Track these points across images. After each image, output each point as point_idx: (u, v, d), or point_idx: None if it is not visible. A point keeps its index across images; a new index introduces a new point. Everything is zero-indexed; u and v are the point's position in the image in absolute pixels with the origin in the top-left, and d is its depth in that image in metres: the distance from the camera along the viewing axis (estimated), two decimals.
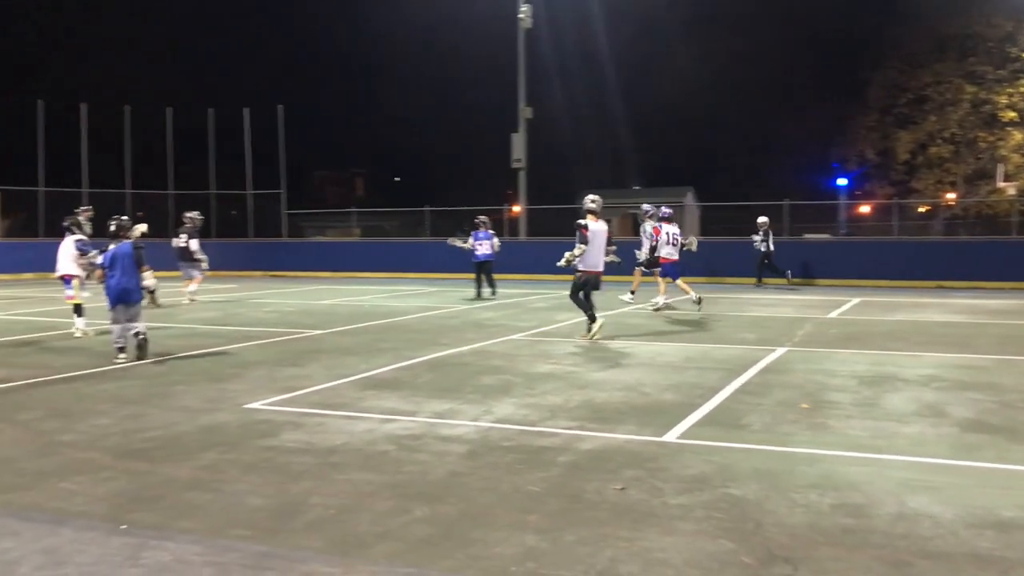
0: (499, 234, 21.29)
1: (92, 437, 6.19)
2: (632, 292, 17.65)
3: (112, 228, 10.05)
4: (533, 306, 16.92)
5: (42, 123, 31.67)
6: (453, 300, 18.45)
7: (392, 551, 4.04)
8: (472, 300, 18.33)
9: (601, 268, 11.65)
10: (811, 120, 50.73)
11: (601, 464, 5.48)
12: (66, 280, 12.63)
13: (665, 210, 16.21)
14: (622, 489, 4.95)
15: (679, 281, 15.54)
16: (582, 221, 11.41)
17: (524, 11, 28.39)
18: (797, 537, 4.20)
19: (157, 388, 8.08)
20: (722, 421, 6.67)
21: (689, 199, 46.08)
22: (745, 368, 9.11)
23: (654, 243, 16.27)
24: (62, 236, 12.83)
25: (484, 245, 19.09)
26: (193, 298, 17.63)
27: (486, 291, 19.05)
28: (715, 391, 7.85)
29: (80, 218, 13.14)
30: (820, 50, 56.75)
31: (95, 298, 12.57)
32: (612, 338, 11.63)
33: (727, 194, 42.54)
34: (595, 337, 11.34)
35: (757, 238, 22.79)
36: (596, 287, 11.72)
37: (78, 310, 12.25)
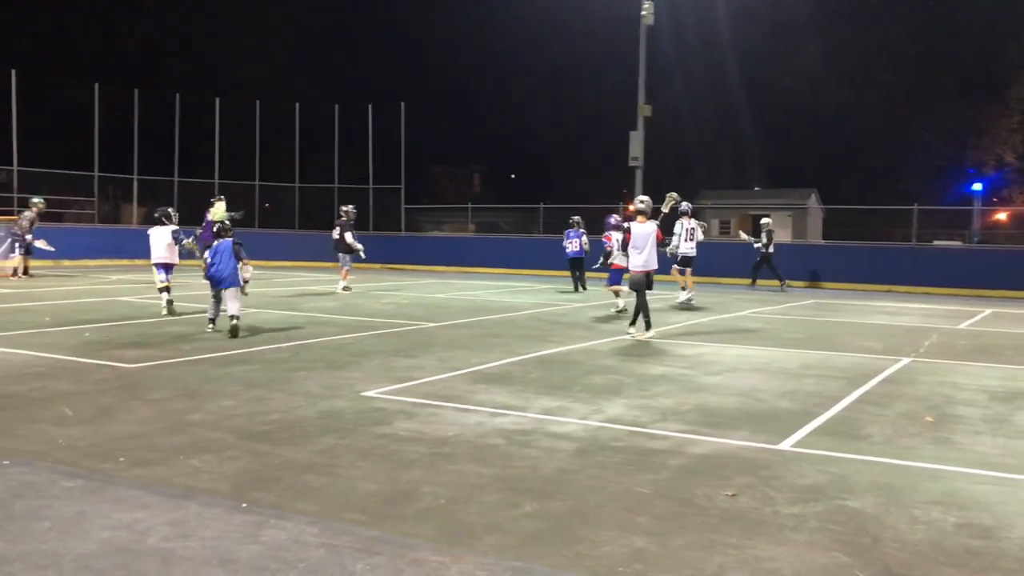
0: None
1: (218, 418, 6.48)
2: (683, 288, 17.38)
3: (215, 230, 11.75)
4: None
5: (179, 116, 33.24)
6: (565, 298, 18.46)
7: (500, 544, 4.08)
8: (571, 293, 19.26)
9: (653, 267, 11.84)
10: (946, 121, 48.46)
11: (712, 469, 5.40)
12: (162, 267, 13.69)
13: (615, 218, 16.64)
14: (733, 495, 4.86)
15: (611, 288, 15.49)
16: (626, 225, 11.99)
17: (646, 8, 28.11)
18: (918, 555, 4.04)
19: (279, 373, 8.38)
20: (840, 431, 6.47)
21: (813, 201, 44.75)
22: (867, 378, 8.79)
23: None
24: (159, 225, 13.87)
25: (574, 243, 19.78)
26: (348, 287, 18.68)
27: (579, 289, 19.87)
28: (834, 400, 7.61)
29: (170, 210, 14.25)
30: (958, 47, 54.06)
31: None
32: (723, 342, 11.42)
33: (854, 197, 41.06)
34: (637, 337, 11.59)
35: (754, 239, 23.10)
36: (648, 286, 11.91)
37: (166, 290, 13.58)
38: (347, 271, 19.07)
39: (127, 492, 4.68)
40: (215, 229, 11.71)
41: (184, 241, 13.65)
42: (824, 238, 39.04)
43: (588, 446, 5.88)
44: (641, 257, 11.70)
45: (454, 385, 7.98)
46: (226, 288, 11.14)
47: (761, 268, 23.09)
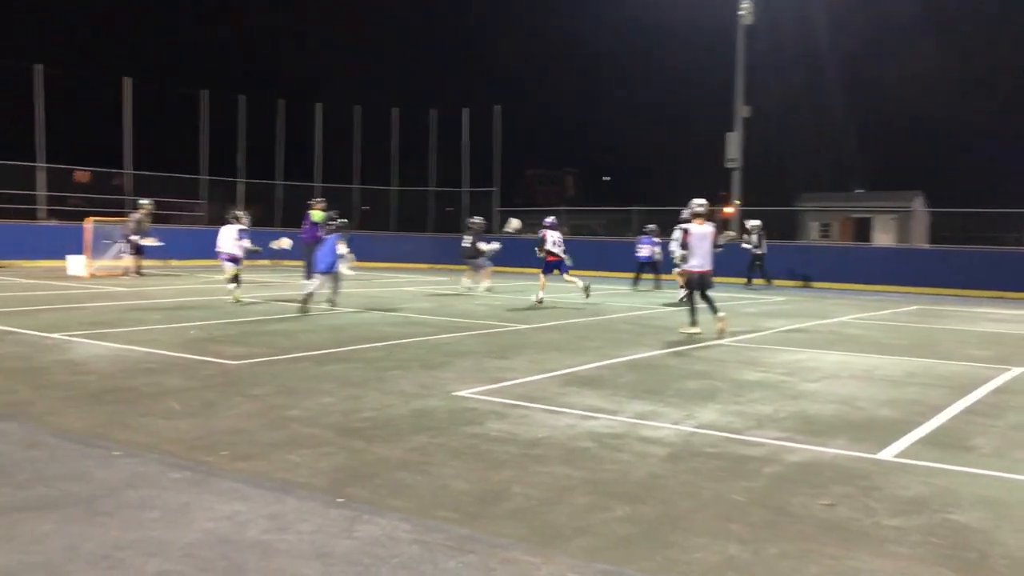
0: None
1: (316, 414, 6.65)
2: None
3: (330, 225, 14.58)
4: (743, 311, 16.47)
5: (282, 122, 34.25)
6: (659, 301, 18.28)
7: (591, 546, 4.08)
8: (633, 287, 21.17)
9: (708, 267, 12.10)
10: None
11: (809, 478, 5.27)
12: (230, 259, 15.59)
13: (549, 219, 17.89)
14: (831, 505, 4.74)
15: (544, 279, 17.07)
16: (685, 226, 12.35)
17: (745, 7, 27.64)
18: None
19: (375, 372, 8.55)
20: (945, 442, 6.23)
21: (918, 204, 43.14)
22: (973, 387, 8.44)
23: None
24: (228, 224, 15.88)
25: (644, 249, 21.96)
26: (489, 289, 19.20)
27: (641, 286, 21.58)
28: (938, 409, 7.33)
29: (239, 212, 16.49)
30: None
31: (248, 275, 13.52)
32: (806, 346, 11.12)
33: (962, 199, 39.43)
34: (690, 334, 11.91)
35: (749, 240, 23.26)
36: (708, 286, 12.15)
37: (236, 279, 15.53)
38: (488, 271, 19.77)
39: (229, 485, 4.85)
40: (329, 224, 14.50)
41: (245, 240, 15.51)
42: (931, 242, 37.66)
43: (681, 451, 5.82)
44: (697, 258, 12.00)
45: (546, 387, 8.00)
46: (323, 272, 14.15)
47: (755, 268, 23.75)
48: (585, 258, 29.49)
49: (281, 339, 10.80)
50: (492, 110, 34.77)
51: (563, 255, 17.44)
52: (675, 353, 10.47)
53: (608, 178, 73.80)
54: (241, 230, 15.62)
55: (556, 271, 17.24)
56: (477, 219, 20.74)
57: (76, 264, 22.12)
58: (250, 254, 15.86)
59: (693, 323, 12.14)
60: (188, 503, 4.51)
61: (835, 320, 15.13)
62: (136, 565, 3.69)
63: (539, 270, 17.36)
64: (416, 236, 33.93)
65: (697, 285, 12.13)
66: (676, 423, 6.64)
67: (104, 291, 17.50)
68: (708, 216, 12.31)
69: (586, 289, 17.21)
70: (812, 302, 19.25)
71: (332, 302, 14.68)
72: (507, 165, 36.01)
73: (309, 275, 21.69)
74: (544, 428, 6.37)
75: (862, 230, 42.36)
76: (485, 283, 18.92)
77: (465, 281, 19.52)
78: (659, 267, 21.73)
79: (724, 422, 6.72)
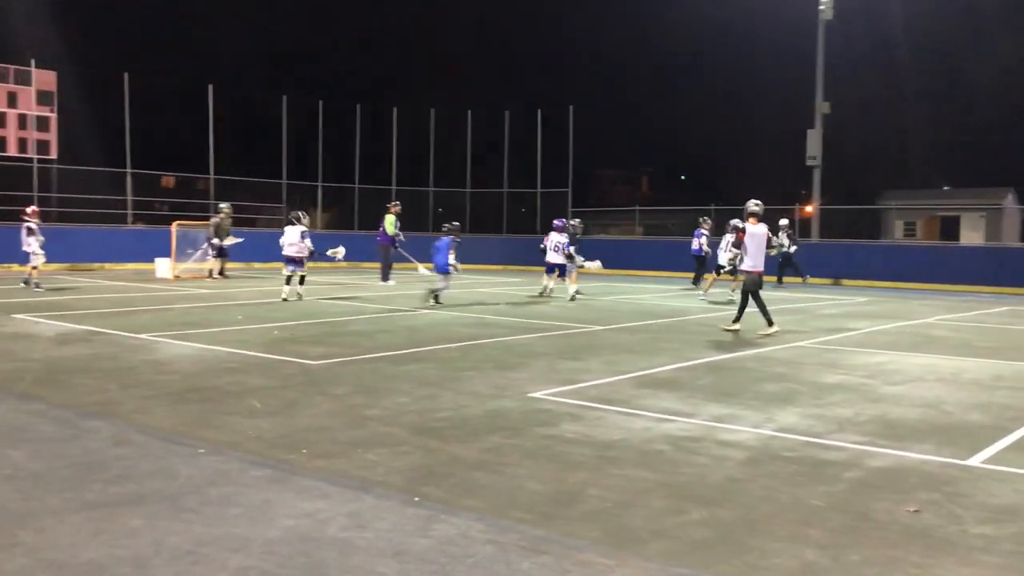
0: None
1: (393, 413, 6.74)
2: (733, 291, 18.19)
3: (444, 228, 16.22)
4: (822, 312, 16.12)
5: (359, 125, 34.80)
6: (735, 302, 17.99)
7: (667, 550, 4.04)
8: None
9: (761, 268, 12.26)
10: None
11: (892, 483, 5.13)
12: (289, 261, 16.31)
13: (558, 222, 18.63)
14: (916, 512, 4.60)
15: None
16: (741, 224, 12.40)
17: (825, 2, 27.04)
18: None
19: (450, 372, 8.62)
20: None
21: (1009, 201, 41.59)
22: None
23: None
24: (291, 225, 16.58)
25: (695, 241, 22.20)
26: (578, 294, 18.82)
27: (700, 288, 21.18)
28: None
29: (300, 213, 16.80)
30: None
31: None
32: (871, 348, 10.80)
33: None
34: (770, 333, 11.97)
35: (778, 240, 22.08)
36: (760, 285, 12.31)
37: (301, 280, 16.39)
38: (575, 275, 19.67)
39: (309, 483, 4.95)
40: (444, 228, 16.22)
41: (307, 240, 16.23)
42: (1022, 240, 36.25)
43: (759, 455, 5.73)
44: (754, 258, 12.15)
45: (620, 389, 7.96)
46: (439, 272, 15.74)
47: (786, 268, 23.64)
48: (658, 258, 29.31)
49: (360, 339, 10.96)
50: (567, 110, 34.73)
51: (566, 259, 18.07)
52: (754, 355, 10.30)
53: (684, 177, 73.02)
54: (303, 231, 16.18)
55: (556, 273, 18.26)
56: (575, 222, 20.96)
57: (163, 267, 22.84)
58: (309, 255, 16.50)
59: (770, 322, 12.15)
60: (269, 500, 4.62)
61: (920, 321, 14.69)
62: (219, 561, 3.79)
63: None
64: (489, 237, 34.08)
65: (752, 285, 12.19)
66: (754, 426, 6.54)
67: (189, 293, 18.03)
68: (760, 217, 12.35)
69: (572, 298, 17.64)
70: (896, 303, 18.73)
71: (437, 299, 15.79)
72: (581, 165, 35.95)
73: (385, 276, 22.04)
74: (619, 430, 6.34)
75: (949, 229, 41.02)
76: (572, 287, 18.70)
77: (547, 282, 19.31)
78: (706, 262, 21.81)
79: (804, 425, 6.58)
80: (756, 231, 12.14)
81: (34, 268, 17.76)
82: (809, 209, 29.24)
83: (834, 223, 29.32)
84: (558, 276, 18.36)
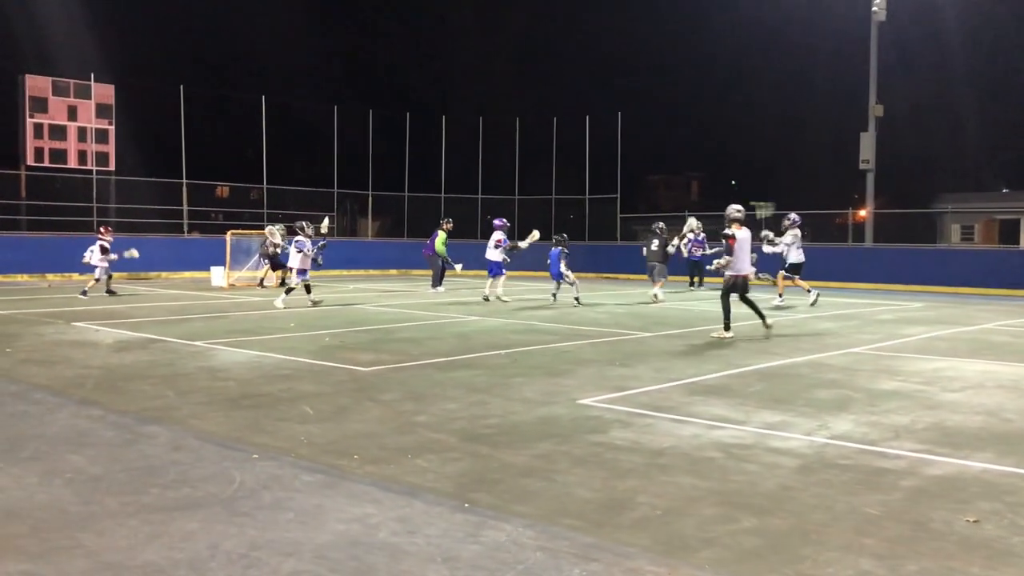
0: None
1: (442, 419, 6.77)
2: (780, 295, 18.33)
3: (554, 240, 18.04)
4: (878, 318, 15.83)
5: (408, 134, 35.10)
6: (788, 309, 17.77)
7: (718, 558, 4.00)
8: (792, 304, 17.92)
9: (747, 272, 12.51)
10: None
11: (951, 492, 5.02)
12: (297, 271, 16.92)
13: (498, 221, 20.00)
14: (975, 522, 4.49)
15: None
16: (728, 231, 12.40)
17: (878, 3, 26.62)
18: None
19: (499, 379, 8.64)
20: None
21: None
22: None
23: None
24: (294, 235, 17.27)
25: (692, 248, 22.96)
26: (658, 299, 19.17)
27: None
28: None
29: (304, 223, 17.37)
30: None
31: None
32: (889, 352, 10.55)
33: None
34: (723, 337, 12.15)
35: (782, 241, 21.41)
36: (745, 290, 12.52)
37: (307, 289, 16.93)
38: (662, 281, 20.09)
39: (360, 488, 4.99)
40: (553, 240, 17.99)
41: (306, 250, 16.78)
42: None
43: (812, 463, 5.64)
44: (740, 263, 12.38)
45: (670, 396, 7.90)
46: (556, 279, 17.71)
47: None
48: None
49: (409, 346, 11.04)
50: (616, 116, 34.64)
51: (501, 257, 18.93)
52: (807, 362, 10.15)
53: (735, 182, 72.24)
54: (297, 240, 16.80)
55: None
56: (661, 224, 21.25)
57: (218, 275, 23.24)
58: (314, 264, 17.22)
59: (727, 327, 12.38)
60: (321, 505, 4.67)
61: (978, 327, 14.35)
62: (272, 565, 3.84)
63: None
64: (539, 245, 34.09)
65: (742, 289, 12.48)
66: (808, 434, 6.44)
67: (243, 301, 18.33)
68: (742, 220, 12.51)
69: (486, 298, 18.62)
70: (954, 307, 18.32)
71: (577, 300, 17.42)
72: (630, 171, 35.80)
73: (438, 282, 22.15)
74: (669, 437, 6.29)
75: (1008, 232, 40.03)
76: (499, 289, 19.22)
77: (656, 291, 19.29)
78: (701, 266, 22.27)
79: (859, 433, 6.47)
80: (742, 236, 12.42)
81: (96, 280, 18.83)
82: (863, 213, 28.77)
83: (888, 227, 28.80)
84: (492, 276, 19.15)
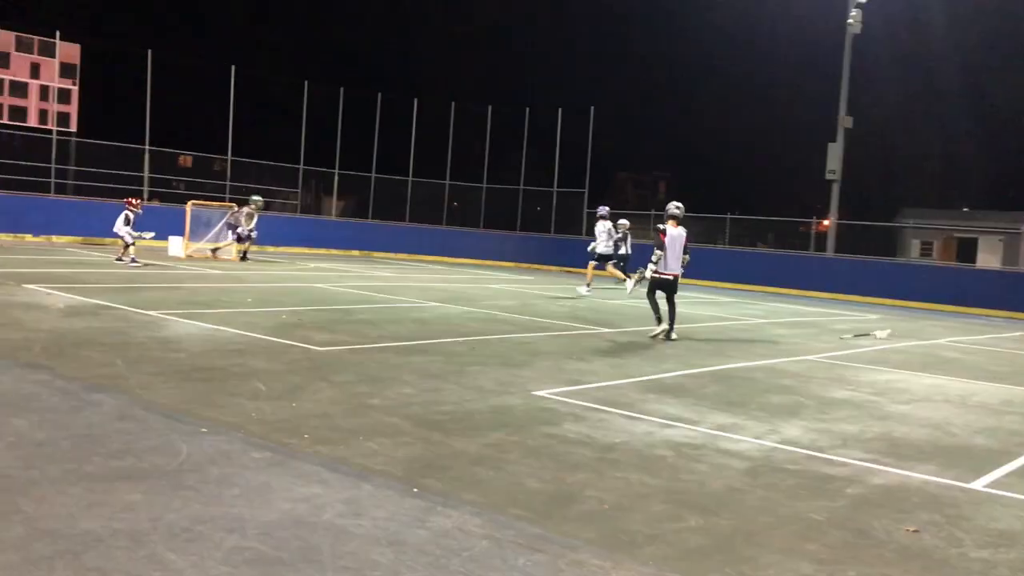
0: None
1: (396, 404, 6.74)
2: (588, 285, 19.76)
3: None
4: (834, 327, 16.04)
5: (379, 115, 34.83)
6: (747, 312, 17.96)
7: (662, 555, 4.03)
8: (752, 308, 18.04)
9: (677, 271, 12.12)
10: None
11: (893, 502, 5.10)
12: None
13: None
14: (915, 531, 4.57)
15: None
16: (661, 226, 12.16)
17: (854, 16, 26.88)
18: None
19: (455, 366, 8.62)
20: None
21: None
22: None
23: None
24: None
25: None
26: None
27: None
28: None
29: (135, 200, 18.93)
30: None
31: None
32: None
33: None
34: (656, 336, 11.93)
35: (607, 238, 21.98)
36: (673, 290, 12.17)
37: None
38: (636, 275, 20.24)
39: (308, 467, 4.95)
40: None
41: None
42: None
43: (760, 466, 5.70)
44: (671, 261, 12.01)
45: (625, 392, 7.94)
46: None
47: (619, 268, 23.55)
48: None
49: (367, 328, 10.97)
50: (587, 110, 34.68)
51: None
52: (762, 366, 10.26)
53: (703, 185, 72.81)
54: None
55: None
56: (624, 221, 21.49)
57: (176, 245, 22.91)
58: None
59: (659, 320, 12.05)
60: (268, 483, 4.62)
61: (931, 342, 14.61)
62: (214, 540, 3.79)
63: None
64: (504, 234, 34.07)
65: (664, 287, 12.10)
66: (758, 437, 6.51)
67: (200, 272, 18.09)
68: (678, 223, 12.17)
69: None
70: (908, 322, 18.62)
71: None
72: (599, 167, 35.88)
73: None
74: (621, 433, 6.32)
75: (966, 250, 40.80)
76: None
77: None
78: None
79: (808, 439, 6.55)
80: (676, 234, 12.04)
81: (128, 246, 18.61)
82: (826, 223, 29.13)
83: (850, 238, 29.20)
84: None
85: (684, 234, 12.16)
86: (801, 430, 6.85)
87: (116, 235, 19.07)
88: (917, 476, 5.71)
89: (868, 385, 9.35)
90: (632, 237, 22.20)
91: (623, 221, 22.76)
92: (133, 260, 18.41)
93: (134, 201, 19.25)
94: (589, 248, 20.52)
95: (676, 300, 12.25)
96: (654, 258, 11.94)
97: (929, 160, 59.89)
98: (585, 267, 20.48)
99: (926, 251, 42.38)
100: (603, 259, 20.24)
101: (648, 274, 12.16)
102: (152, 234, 19.31)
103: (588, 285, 19.76)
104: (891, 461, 6.05)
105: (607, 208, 20.61)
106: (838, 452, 6.20)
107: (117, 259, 18.84)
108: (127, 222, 18.66)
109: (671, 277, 12.06)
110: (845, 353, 12.06)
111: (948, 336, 15.82)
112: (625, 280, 21.49)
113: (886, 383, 9.60)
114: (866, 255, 28.22)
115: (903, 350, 13.08)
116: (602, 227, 20.18)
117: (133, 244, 18.71)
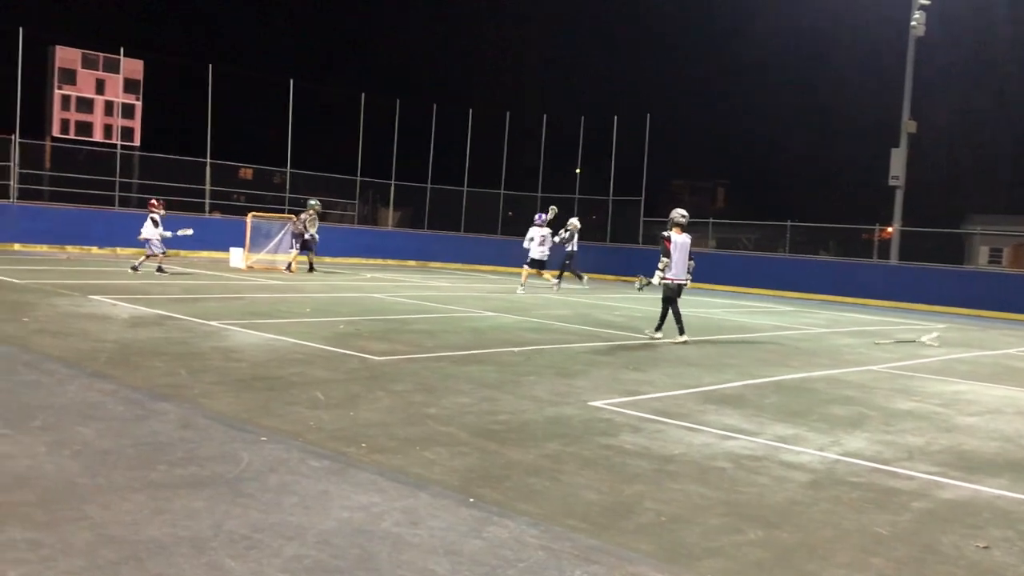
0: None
1: (452, 413, 6.75)
2: (522, 286, 20.94)
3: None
4: (899, 336, 15.67)
5: (434, 126, 35.09)
6: (808, 322, 17.65)
7: (721, 568, 3.96)
8: (809, 317, 17.67)
9: (684, 279, 12.42)
10: None
11: (962, 517, 4.94)
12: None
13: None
14: (985, 548, 4.42)
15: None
16: (666, 233, 12.40)
17: (917, 18, 26.34)
18: None
19: (511, 376, 8.61)
20: None
21: None
22: None
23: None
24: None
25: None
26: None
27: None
28: None
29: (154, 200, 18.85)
30: None
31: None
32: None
33: None
34: (652, 335, 12.47)
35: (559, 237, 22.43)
36: (678, 295, 12.46)
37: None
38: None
39: (366, 476, 4.98)
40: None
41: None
42: None
43: (823, 479, 5.58)
44: (676, 267, 12.30)
45: (683, 403, 7.85)
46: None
47: (566, 266, 23.30)
48: (732, 273, 28.87)
49: (423, 338, 11.03)
50: (644, 118, 34.49)
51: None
52: (824, 377, 10.06)
53: (762, 191, 71.89)
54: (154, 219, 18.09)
55: None
56: (574, 220, 22.55)
57: (237, 256, 23.33)
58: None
59: (681, 330, 12.30)
60: (326, 491, 4.66)
61: (1001, 351, 14.19)
62: (273, 547, 3.83)
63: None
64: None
65: (676, 294, 12.39)
66: (820, 449, 6.38)
67: (261, 283, 18.39)
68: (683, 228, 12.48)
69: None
70: (976, 331, 18.13)
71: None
72: (656, 175, 35.67)
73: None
74: (679, 445, 6.24)
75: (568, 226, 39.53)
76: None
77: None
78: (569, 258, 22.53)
79: (872, 451, 6.40)
80: (681, 241, 12.28)
81: (152, 255, 18.68)
82: (889, 230, 28.52)
83: (914, 245, 28.54)
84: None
85: (689, 241, 12.43)
86: (865, 442, 6.69)
87: (143, 244, 18.71)
88: (987, 490, 5.54)
89: (934, 396, 9.11)
90: (692, 247, 21.92)
91: (573, 220, 23.26)
92: (159, 269, 18.45)
93: (155, 202, 18.87)
94: (524, 245, 21.81)
95: (678, 306, 12.52)
96: (661, 266, 12.22)
97: (997, 164, 58.33)
98: (634, 275, 20.59)
99: (995, 258, 41.24)
100: (535, 264, 21.53)
101: (656, 282, 12.42)
102: (191, 231, 19.42)
103: (522, 286, 21.01)
104: (960, 475, 5.88)
105: (544, 216, 21.93)
106: (903, 465, 6.05)
107: (132, 268, 18.56)
108: (156, 225, 18.36)
109: (681, 284, 12.41)
110: (910, 363, 11.77)
111: (1019, 346, 15.34)
112: (555, 285, 21.88)
113: (953, 394, 9.34)
114: (931, 262, 27.54)
115: (970, 360, 12.72)
116: (536, 233, 21.43)
117: (164, 252, 18.69)
